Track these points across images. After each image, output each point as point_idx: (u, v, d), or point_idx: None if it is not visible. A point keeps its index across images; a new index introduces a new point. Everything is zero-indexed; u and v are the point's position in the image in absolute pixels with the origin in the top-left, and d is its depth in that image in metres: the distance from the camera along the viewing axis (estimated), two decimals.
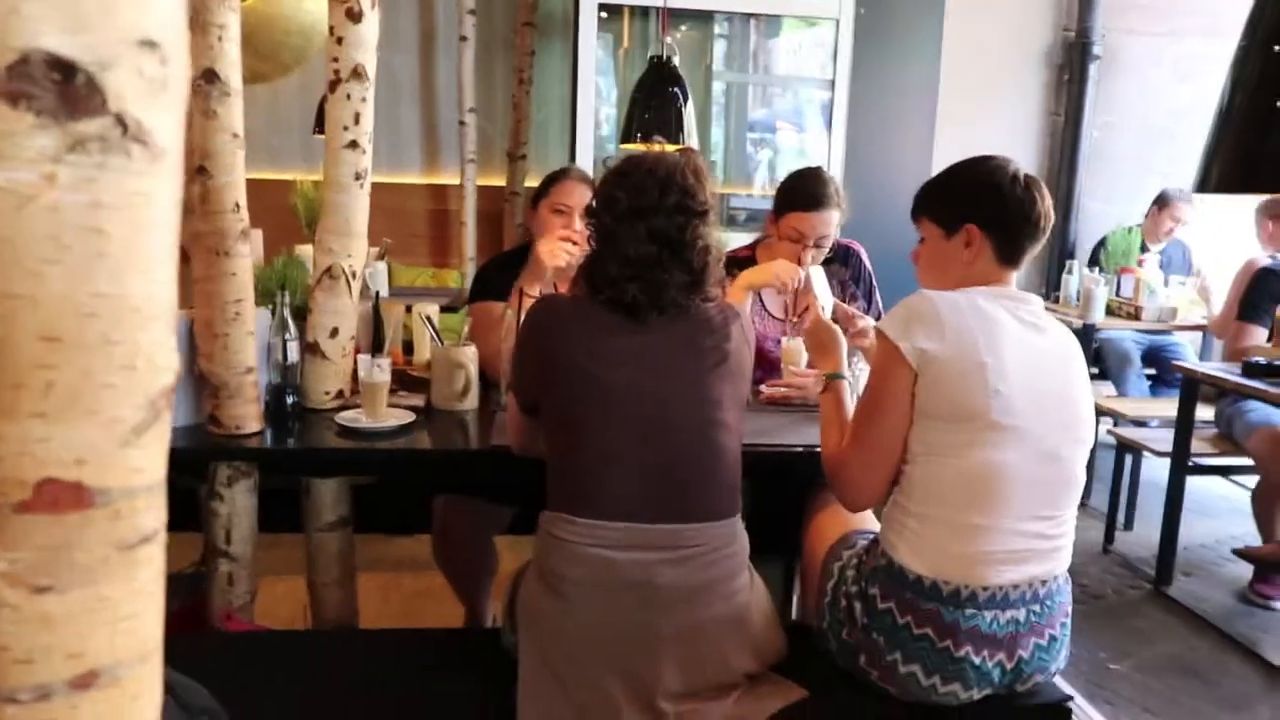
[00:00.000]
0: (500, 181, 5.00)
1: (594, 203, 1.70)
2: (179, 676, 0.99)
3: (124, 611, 0.39)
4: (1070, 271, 4.73)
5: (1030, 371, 1.58)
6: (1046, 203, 1.68)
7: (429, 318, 2.34)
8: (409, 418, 2.08)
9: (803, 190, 2.43)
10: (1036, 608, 1.61)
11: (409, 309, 2.53)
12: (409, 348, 2.55)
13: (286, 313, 2.06)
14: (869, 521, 1.79)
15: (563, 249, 2.26)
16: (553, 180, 2.45)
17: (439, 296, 3.87)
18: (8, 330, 0.35)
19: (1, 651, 0.36)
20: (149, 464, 0.39)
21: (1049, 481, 1.60)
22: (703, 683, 1.57)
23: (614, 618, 1.54)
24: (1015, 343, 1.59)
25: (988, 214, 1.67)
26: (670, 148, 2.51)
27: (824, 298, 2.19)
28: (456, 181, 4.95)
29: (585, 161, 4.53)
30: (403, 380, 2.32)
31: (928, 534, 1.59)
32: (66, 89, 0.34)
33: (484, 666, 1.72)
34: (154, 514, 0.39)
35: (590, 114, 4.62)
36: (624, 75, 4.87)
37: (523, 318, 1.74)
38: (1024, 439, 1.56)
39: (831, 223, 2.42)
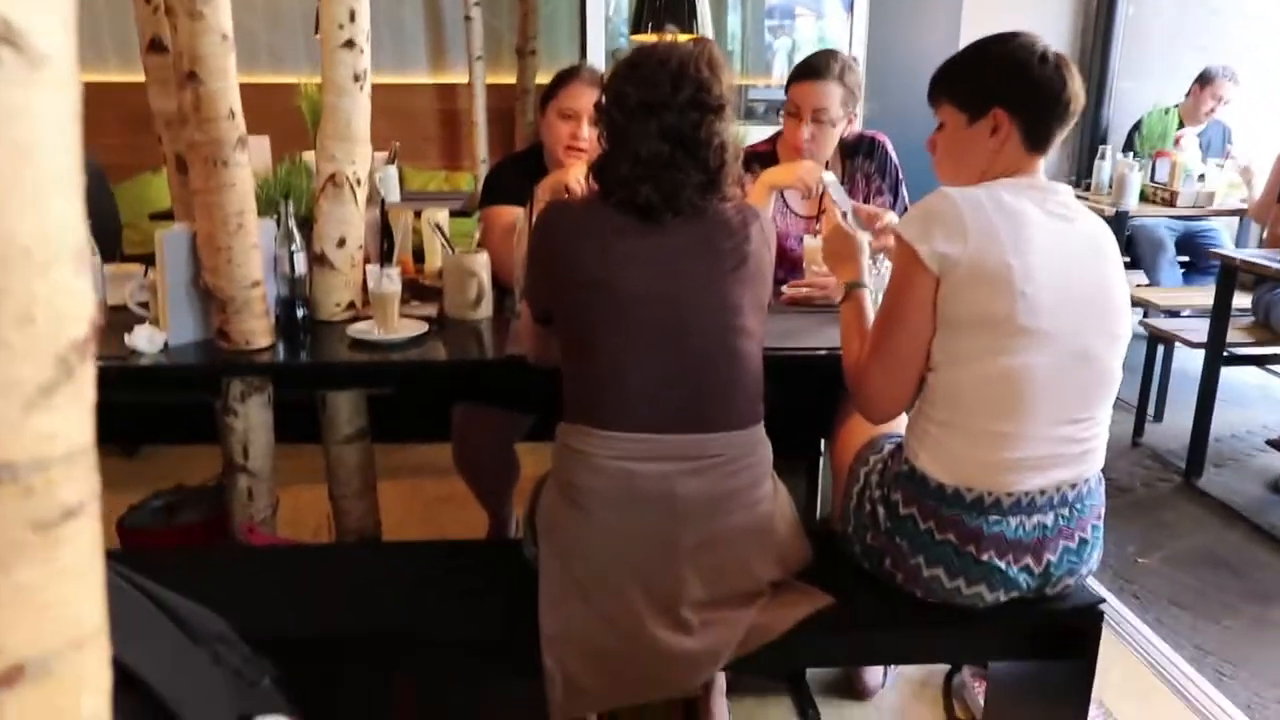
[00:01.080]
0: (510, 79, 4.84)
1: (602, 98, 1.61)
2: (186, 604, 0.97)
3: (48, 597, 0.34)
4: (1103, 157, 4.55)
5: (1059, 268, 1.49)
6: (1077, 82, 1.56)
7: (439, 224, 2.27)
8: (422, 328, 2.03)
9: (804, 63, 2.39)
10: (1065, 511, 1.56)
11: (418, 215, 2.45)
12: (420, 255, 2.48)
13: (291, 223, 2.00)
14: (897, 425, 1.74)
15: (574, 163, 2.17)
16: (560, 82, 2.32)
17: (452, 201, 3.78)
18: None
19: None
20: (65, 429, 0.33)
21: (1081, 382, 1.52)
22: (726, 591, 1.55)
23: (635, 529, 1.51)
24: (1043, 238, 1.49)
25: (1017, 96, 1.55)
26: (683, 38, 2.39)
27: (842, 203, 2.09)
28: (465, 80, 4.79)
29: (597, 56, 4.36)
30: (414, 289, 2.26)
31: (950, 442, 1.54)
32: None
33: (507, 577, 1.72)
34: (77, 484, 0.34)
35: (600, 3, 4.42)
36: None
37: (533, 223, 1.67)
38: (1053, 340, 1.48)
39: (829, 95, 2.33)
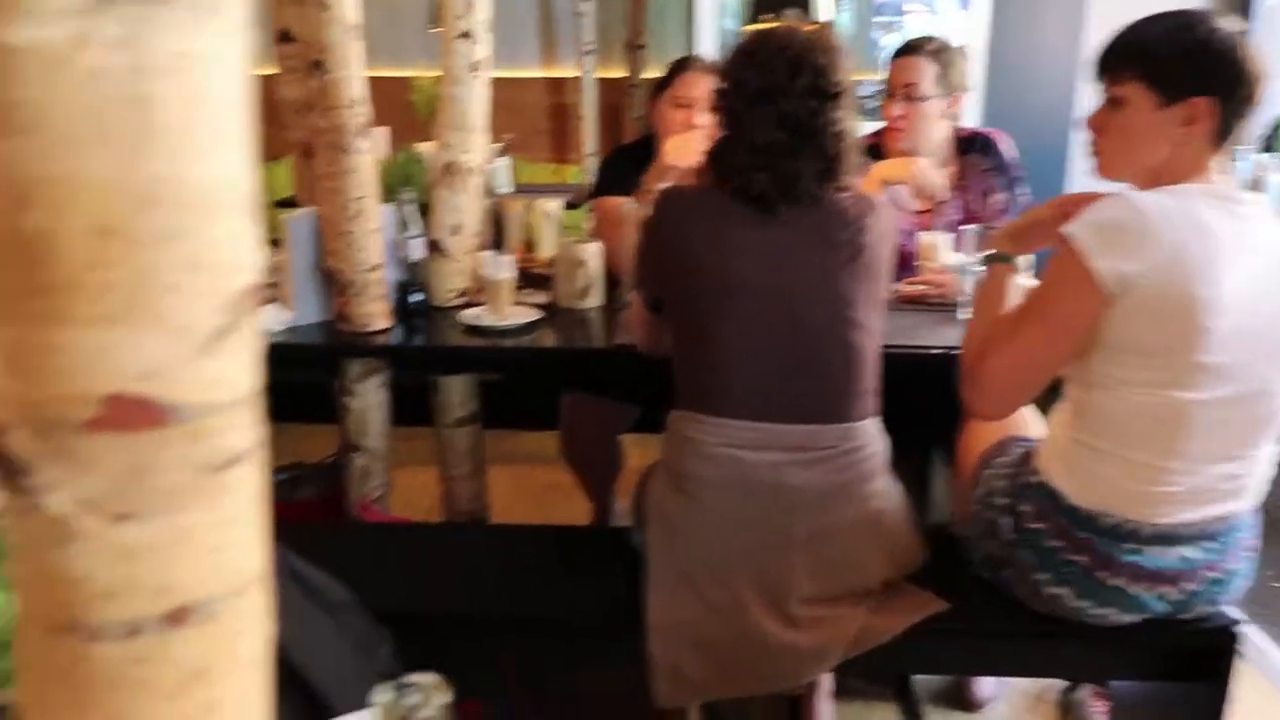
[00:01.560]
0: (619, 73, 4.85)
1: (720, 85, 1.59)
2: (317, 573, 1.00)
3: (213, 541, 0.34)
4: (1239, 158, 4.29)
5: (1249, 298, 1.32)
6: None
7: (551, 214, 2.29)
8: (534, 315, 2.05)
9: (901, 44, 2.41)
10: (1212, 544, 1.44)
11: (531, 205, 2.48)
12: (532, 245, 2.51)
13: (409, 210, 2.04)
14: (1028, 429, 1.66)
15: (691, 146, 2.16)
16: (674, 71, 2.31)
17: (559, 193, 3.82)
18: (54, 222, 0.30)
19: (85, 585, 0.32)
20: (233, 375, 0.34)
21: (1250, 418, 1.38)
22: (836, 588, 1.52)
23: (745, 518, 1.50)
24: (1235, 265, 1.31)
25: (1225, 86, 1.35)
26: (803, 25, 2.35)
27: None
28: (574, 74, 4.82)
29: (707, 49, 4.33)
30: (526, 278, 2.28)
31: (1094, 465, 1.42)
32: None
33: (613, 564, 1.72)
34: (243, 432, 0.35)
35: None
36: None
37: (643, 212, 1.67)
38: (1230, 377, 1.33)
39: (919, 70, 2.29)
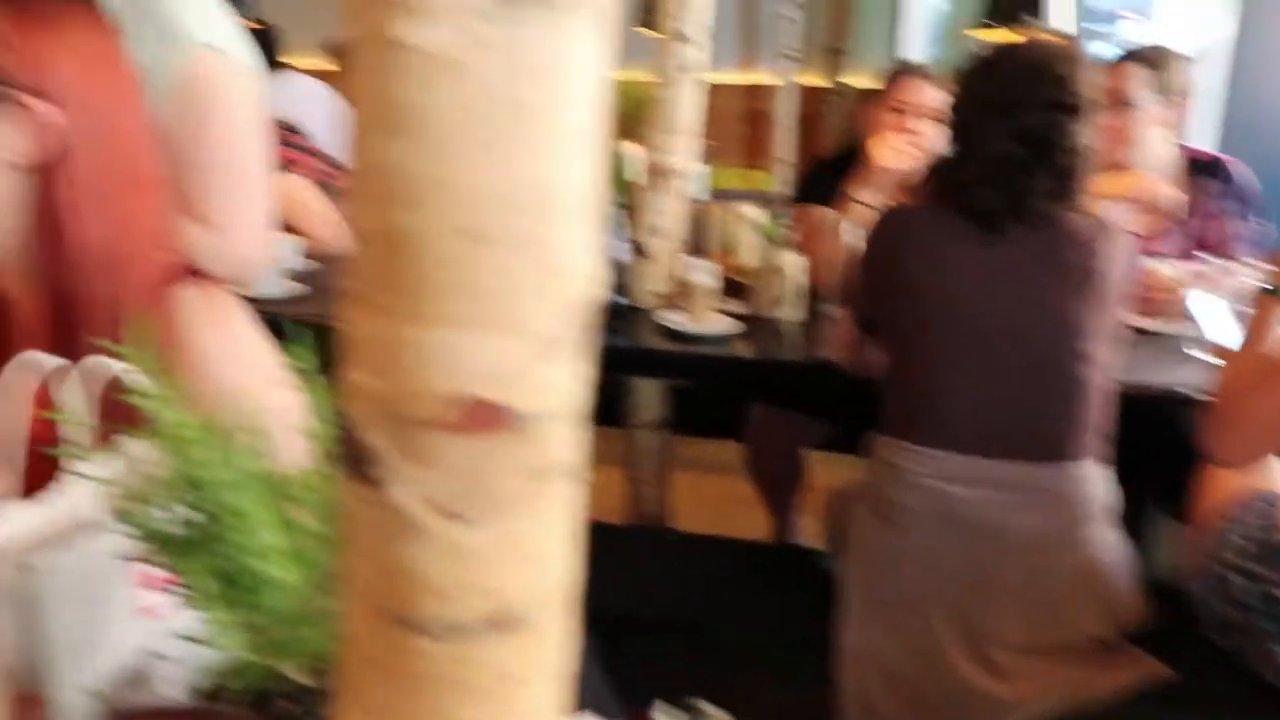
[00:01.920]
0: (818, 80, 4.78)
1: (952, 96, 1.53)
2: None
3: (534, 548, 0.34)
4: None
5: None
6: None
7: (754, 221, 2.27)
8: (731, 324, 2.04)
9: None
10: None
11: (733, 211, 2.47)
12: (732, 251, 2.49)
13: (614, 210, 2.07)
14: (1276, 482, 1.52)
15: (899, 150, 2.10)
16: (895, 76, 2.26)
17: (755, 199, 3.79)
18: (422, 221, 0.30)
19: (419, 581, 0.33)
20: (567, 384, 0.34)
21: None
22: (1045, 639, 1.43)
23: (950, 554, 1.43)
24: None
25: None
26: (1041, 35, 2.24)
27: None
28: (772, 80, 4.78)
29: (915, 56, 4.20)
30: (726, 285, 2.27)
31: None
32: None
33: (797, 583, 1.69)
34: (568, 441, 0.34)
35: (922, 2, 4.26)
36: None
37: (867, 228, 1.62)
38: None
39: (1127, 74, 2.16)
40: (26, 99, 0.81)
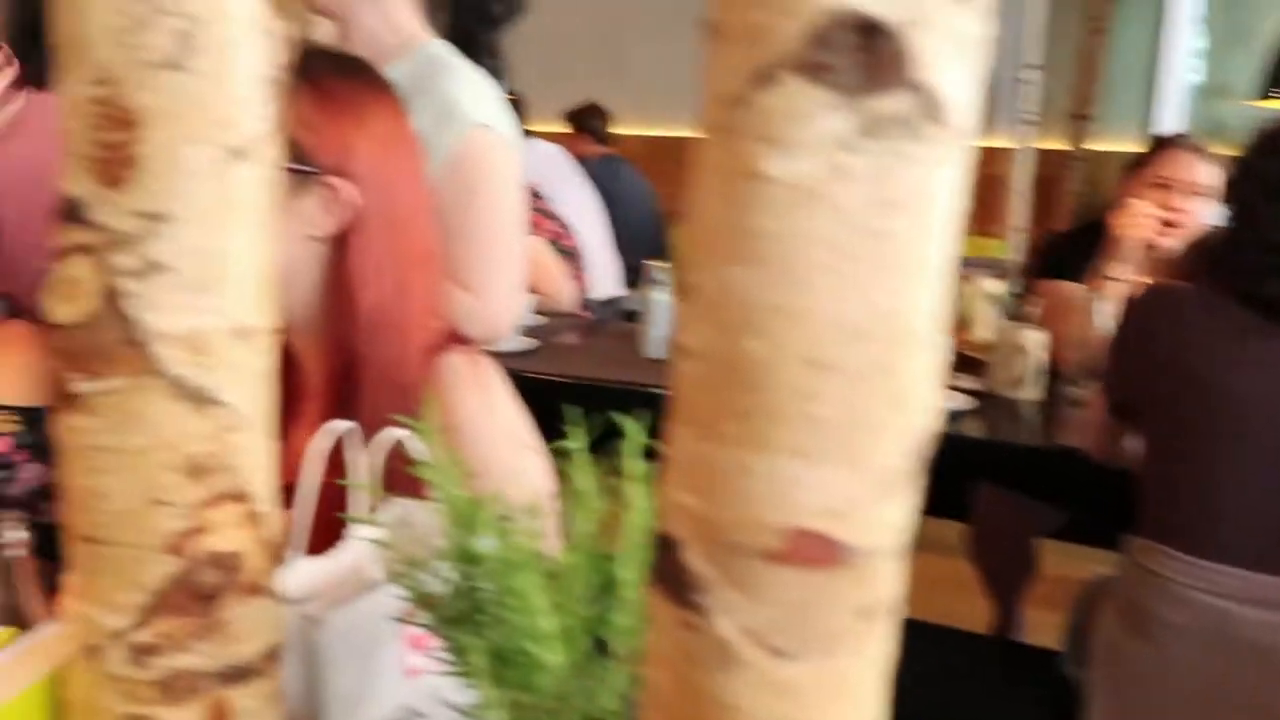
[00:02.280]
0: (1059, 144, 4.56)
1: (1234, 174, 1.41)
2: None
3: (852, 687, 0.33)
4: None
5: None
6: None
7: (992, 294, 2.17)
8: (964, 401, 1.95)
9: None
10: None
11: (970, 283, 2.38)
12: (968, 325, 2.39)
13: None
14: None
15: (1140, 219, 1.98)
16: (1157, 147, 2.11)
17: (986, 267, 3.64)
18: (768, 349, 0.29)
19: (729, 711, 0.31)
20: (900, 522, 0.32)
21: None
22: None
23: (1223, 681, 1.28)
24: None
25: None
26: None
27: None
28: (1009, 144, 4.60)
29: (1169, 124, 3.94)
30: (959, 360, 2.18)
31: None
32: (869, 57, 0.27)
33: (1029, 686, 1.56)
34: (894, 581, 0.33)
35: (1182, 63, 3.99)
36: (1223, 17, 4.12)
37: (1124, 305, 1.51)
38: None
39: None
40: (330, 179, 0.88)
